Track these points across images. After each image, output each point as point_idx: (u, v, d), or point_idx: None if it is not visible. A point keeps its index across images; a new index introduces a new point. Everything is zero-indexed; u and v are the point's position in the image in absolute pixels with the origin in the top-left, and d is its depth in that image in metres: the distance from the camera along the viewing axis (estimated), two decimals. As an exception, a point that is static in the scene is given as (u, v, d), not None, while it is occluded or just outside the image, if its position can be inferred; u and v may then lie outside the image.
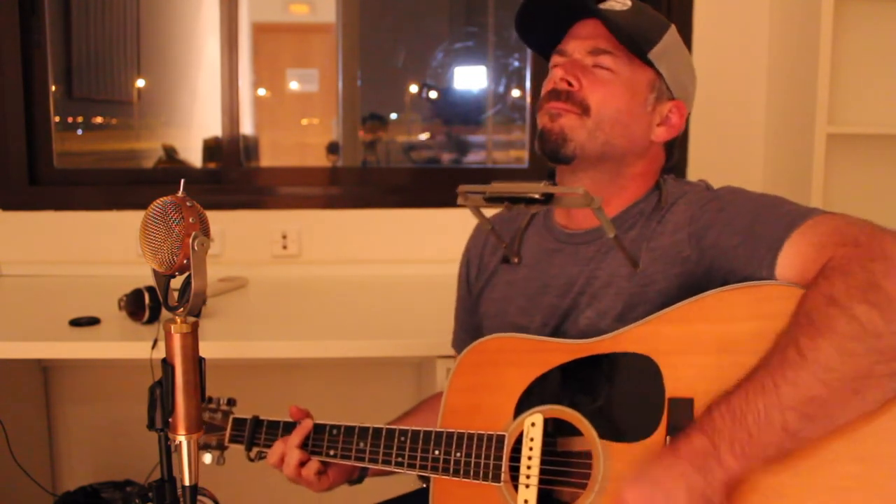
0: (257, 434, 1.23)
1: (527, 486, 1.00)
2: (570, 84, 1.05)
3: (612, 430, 0.96)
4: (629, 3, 1.08)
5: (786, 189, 2.17)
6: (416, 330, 1.68)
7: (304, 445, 1.18)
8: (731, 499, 0.84)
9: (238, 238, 2.27)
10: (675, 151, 1.13)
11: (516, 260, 1.17)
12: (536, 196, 0.92)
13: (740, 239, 0.94)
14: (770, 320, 0.85)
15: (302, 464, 1.18)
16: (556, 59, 1.11)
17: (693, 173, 2.31)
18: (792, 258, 0.88)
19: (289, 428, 1.21)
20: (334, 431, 1.18)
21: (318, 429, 1.19)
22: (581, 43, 1.07)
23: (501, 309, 1.17)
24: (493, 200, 0.96)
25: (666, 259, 1.02)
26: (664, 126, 1.09)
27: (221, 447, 1.27)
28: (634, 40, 1.04)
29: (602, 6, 1.06)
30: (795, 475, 0.83)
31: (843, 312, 0.78)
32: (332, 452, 1.17)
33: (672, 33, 1.09)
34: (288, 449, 1.18)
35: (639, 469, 0.87)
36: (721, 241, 0.97)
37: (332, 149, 2.92)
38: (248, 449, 1.24)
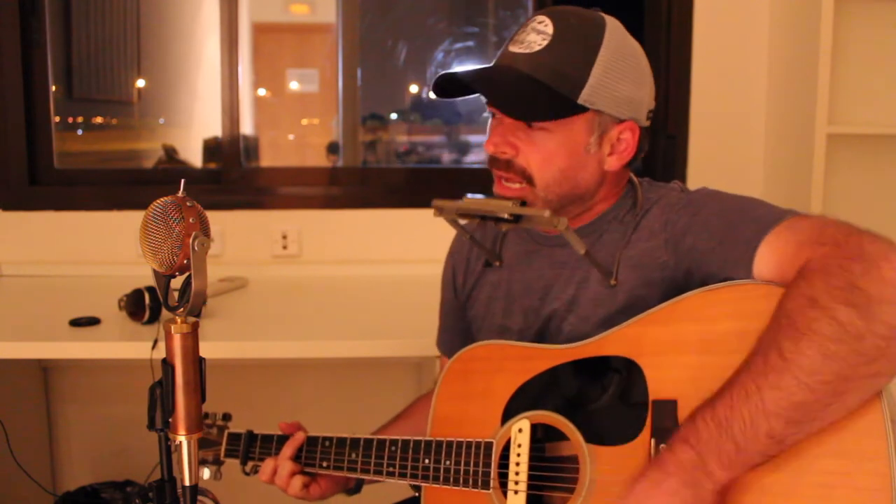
0: (252, 448, 1.25)
1: (515, 492, 1.01)
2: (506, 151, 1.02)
3: (598, 434, 0.96)
4: (550, 33, 0.98)
5: (786, 189, 2.17)
6: (415, 330, 1.67)
7: (297, 458, 1.19)
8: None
9: (238, 238, 2.27)
10: (645, 145, 1.06)
11: (498, 263, 1.18)
12: (506, 216, 0.97)
13: (717, 240, 0.94)
14: (752, 319, 0.85)
15: (294, 475, 1.19)
16: (491, 113, 1.06)
17: (693, 173, 2.31)
18: (769, 257, 0.88)
19: (283, 441, 1.22)
20: (326, 443, 1.19)
21: (311, 441, 1.20)
22: None
23: (488, 310, 1.18)
24: (465, 215, 1.03)
25: (643, 266, 1.02)
26: (615, 155, 1.04)
27: (218, 462, 1.28)
28: (553, 101, 0.97)
29: (517, 49, 0.99)
30: (779, 473, 0.83)
31: (824, 314, 0.78)
32: (324, 464, 1.18)
33: (607, 49, 0.98)
34: (280, 461, 1.19)
35: (626, 487, 0.86)
36: (698, 244, 0.96)
37: (333, 149, 2.92)
38: (244, 463, 1.25)
